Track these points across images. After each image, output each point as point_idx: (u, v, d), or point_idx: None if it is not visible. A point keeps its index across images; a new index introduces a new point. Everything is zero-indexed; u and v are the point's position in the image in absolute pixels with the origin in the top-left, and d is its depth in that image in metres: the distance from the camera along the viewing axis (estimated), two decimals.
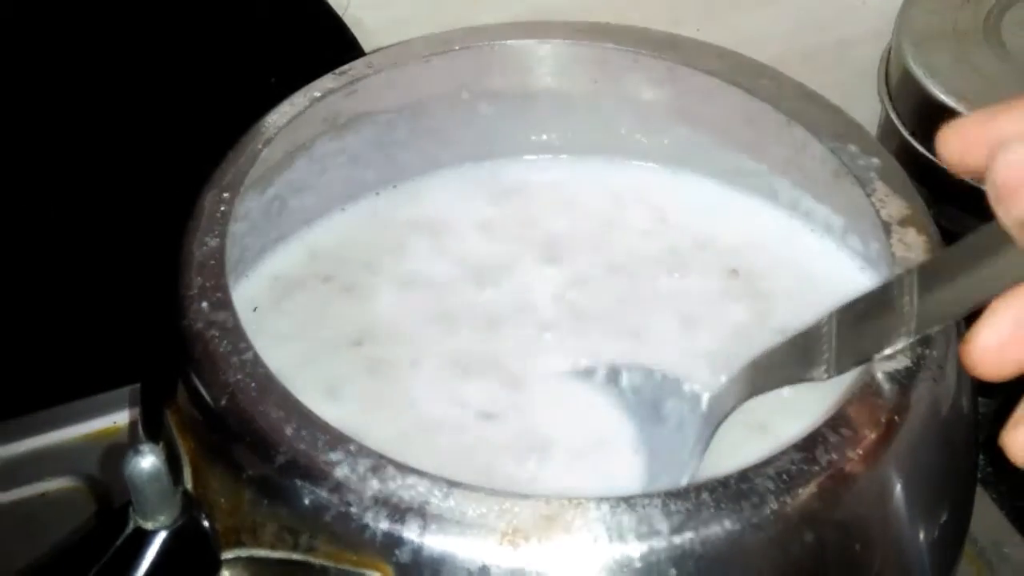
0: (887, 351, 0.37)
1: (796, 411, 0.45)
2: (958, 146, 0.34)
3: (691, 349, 0.49)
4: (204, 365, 0.40)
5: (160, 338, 0.43)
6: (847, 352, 0.38)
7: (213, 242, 0.44)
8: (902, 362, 0.40)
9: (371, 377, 0.48)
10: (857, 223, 0.50)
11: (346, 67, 0.52)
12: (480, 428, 0.46)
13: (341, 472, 0.37)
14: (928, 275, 0.35)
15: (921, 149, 0.68)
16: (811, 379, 0.39)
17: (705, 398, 0.46)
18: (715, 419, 0.44)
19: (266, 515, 0.38)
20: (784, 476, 0.37)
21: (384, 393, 0.48)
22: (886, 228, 0.45)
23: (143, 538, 0.37)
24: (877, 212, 0.46)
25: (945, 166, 0.34)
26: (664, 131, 0.56)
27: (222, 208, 0.45)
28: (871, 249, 0.49)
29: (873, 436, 0.38)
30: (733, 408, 0.44)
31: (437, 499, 0.36)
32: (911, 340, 0.36)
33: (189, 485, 0.39)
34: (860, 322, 0.38)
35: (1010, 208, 0.31)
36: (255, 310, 0.49)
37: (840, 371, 0.38)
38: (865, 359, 0.38)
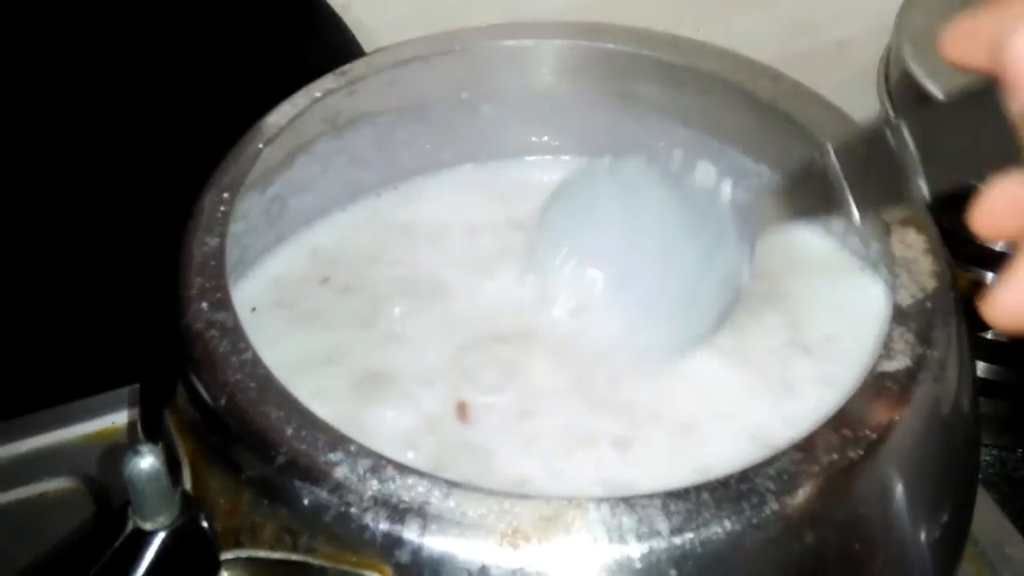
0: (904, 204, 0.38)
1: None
2: (960, 42, 0.35)
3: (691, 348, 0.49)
4: (203, 365, 0.40)
5: (159, 338, 0.43)
6: (864, 196, 0.39)
7: (213, 242, 0.44)
8: (903, 362, 0.40)
9: (369, 378, 0.48)
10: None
11: (346, 67, 0.52)
12: (481, 428, 0.46)
13: (341, 472, 0.37)
14: (924, 131, 0.36)
15: None
16: (839, 216, 0.40)
17: (727, 187, 0.47)
18: (752, 224, 0.45)
19: (265, 516, 0.38)
20: (784, 476, 0.37)
21: (383, 393, 0.47)
22: (886, 228, 0.45)
23: (142, 539, 0.37)
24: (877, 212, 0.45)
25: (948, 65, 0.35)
26: (664, 131, 0.56)
27: (222, 208, 0.45)
28: (872, 250, 0.49)
29: (874, 436, 0.38)
30: (770, 223, 0.45)
31: (437, 499, 0.36)
32: (927, 199, 0.36)
33: (188, 485, 0.39)
34: (866, 166, 0.39)
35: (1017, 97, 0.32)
36: (253, 310, 0.49)
37: (862, 215, 0.39)
38: (882, 205, 0.40)
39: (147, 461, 0.36)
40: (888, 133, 0.37)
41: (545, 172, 0.57)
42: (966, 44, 0.35)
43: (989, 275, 0.63)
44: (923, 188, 0.36)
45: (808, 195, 0.42)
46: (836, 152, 0.40)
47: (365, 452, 0.37)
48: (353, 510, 0.36)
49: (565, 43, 0.54)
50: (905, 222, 0.45)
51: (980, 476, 0.49)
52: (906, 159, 0.36)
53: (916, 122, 0.36)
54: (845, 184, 0.39)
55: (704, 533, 0.36)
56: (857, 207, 0.39)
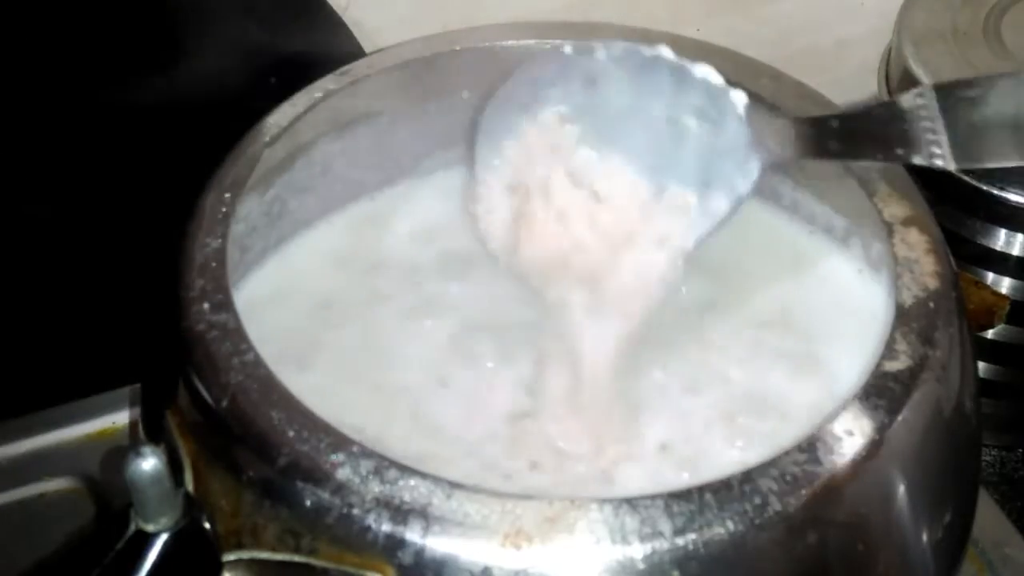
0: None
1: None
2: None
3: (690, 351, 0.49)
4: (205, 366, 0.40)
5: (161, 340, 0.43)
6: (966, 145, 0.36)
7: (214, 243, 0.44)
8: (905, 362, 0.40)
9: (369, 377, 0.48)
10: (859, 224, 0.50)
11: (347, 68, 0.52)
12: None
13: (343, 473, 0.37)
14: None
15: None
16: (918, 162, 0.37)
17: (741, 102, 0.44)
18: (766, 153, 0.43)
19: (267, 517, 0.38)
20: (787, 477, 0.37)
21: (384, 391, 0.47)
22: (888, 229, 0.45)
23: (144, 540, 0.37)
24: (880, 212, 0.45)
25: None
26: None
27: (223, 209, 0.45)
28: (873, 251, 0.49)
29: (876, 437, 0.38)
30: (790, 158, 0.43)
31: (439, 500, 0.36)
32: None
33: (190, 487, 0.39)
34: (971, 113, 0.36)
35: None
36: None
37: (960, 163, 0.36)
38: (986, 164, 0.37)
39: (149, 463, 0.36)
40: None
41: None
42: None
43: (990, 275, 0.63)
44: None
45: (864, 136, 0.39)
46: (940, 95, 0.36)
47: (367, 453, 0.37)
48: (355, 511, 0.36)
49: (565, 43, 0.54)
50: (907, 222, 0.45)
51: (980, 476, 0.49)
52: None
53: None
54: (945, 129, 0.36)
55: (707, 534, 0.36)
56: (955, 156, 0.36)
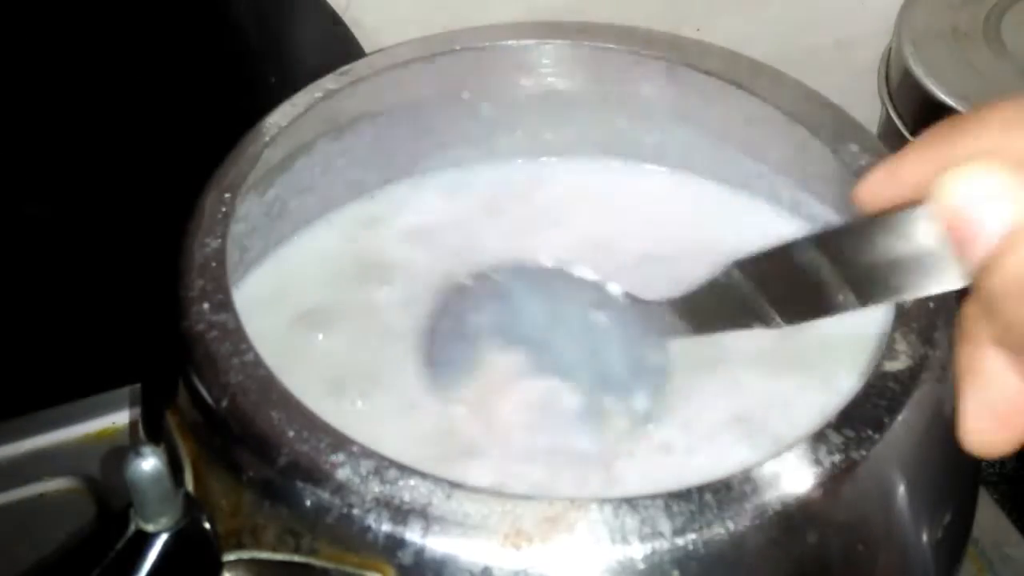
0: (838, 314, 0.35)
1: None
2: (881, 187, 0.33)
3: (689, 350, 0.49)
4: (205, 367, 0.40)
5: (161, 340, 0.43)
6: (790, 309, 0.37)
7: (214, 243, 0.44)
8: (905, 362, 0.40)
9: (368, 376, 0.48)
10: None
11: (347, 68, 0.52)
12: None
13: (343, 473, 0.37)
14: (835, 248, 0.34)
15: None
16: (765, 326, 0.38)
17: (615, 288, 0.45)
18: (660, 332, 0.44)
19: (267, 517, 0.38)
20: (787, 477, 0.37)
21: (383, 390, 0.47)
22: None
23: (144, 540, 0.37)
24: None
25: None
26: (664, 132, 0.56)
27: (223, 209, 0.45)
28: None
29: (876, 437, 0.38)
30: (679, 332, 0.43)
31: (439, 500, 0.36)
32: (858, 309, 0.34)
33: (190, 487, 0.39)
34: (781, 281, 0.37)
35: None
36: None
37: (788, 323, 0.38)
38: (809, 317, 0.37)
39: (149, 463, 0.36)
40: (794, 252, 0.35)
41: (546, 173, 0.57)
42: (889, 188, 0.32)
43: None
44: (853, 301, 0.34)
45: (720, 310, 0.40)
46: (742, 269, 0.38)
47: (367, 453, 0.37)
48: (355, 511, 0.36)
49: (565, 43, 0.54)
50: None
51: (980, 476, 0.49)
52: (823, 276, 0.35)
53: (825, 243, 0.35)
54: (764, 298, 0.38)
55: (707, 534, 0.36)
56: (781, 317, 0.38)
